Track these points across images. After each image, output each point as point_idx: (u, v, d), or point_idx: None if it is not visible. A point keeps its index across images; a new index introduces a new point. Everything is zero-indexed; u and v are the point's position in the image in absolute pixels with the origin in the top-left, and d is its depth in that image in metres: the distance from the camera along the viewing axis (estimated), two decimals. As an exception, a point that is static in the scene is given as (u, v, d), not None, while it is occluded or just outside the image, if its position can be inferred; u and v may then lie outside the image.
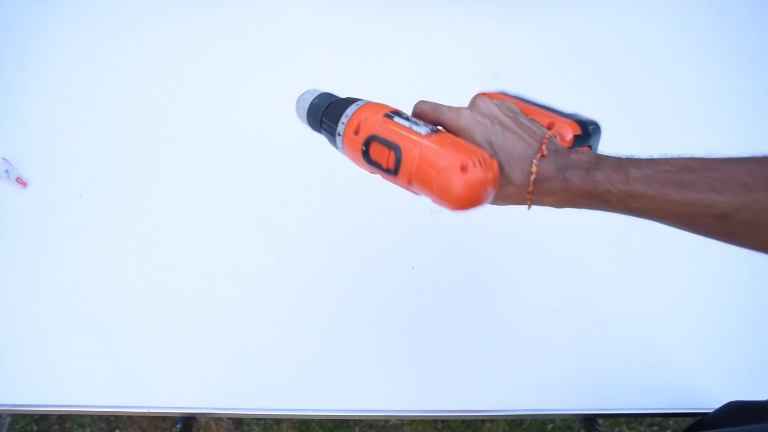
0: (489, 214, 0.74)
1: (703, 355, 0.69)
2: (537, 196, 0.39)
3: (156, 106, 0.82)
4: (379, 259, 0.74)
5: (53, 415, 1.22)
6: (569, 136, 0.43)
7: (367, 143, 0.41)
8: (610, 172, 0.37)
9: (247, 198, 0.77)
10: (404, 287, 0.72)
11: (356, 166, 0.43)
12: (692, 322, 0.70)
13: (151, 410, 0.68)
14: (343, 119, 0.43)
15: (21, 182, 0.78)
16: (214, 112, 0.82)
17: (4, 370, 0.70)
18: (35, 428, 1.22)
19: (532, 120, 0.42)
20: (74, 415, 1.21)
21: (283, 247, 0.74)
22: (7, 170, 0.77)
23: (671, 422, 1.19)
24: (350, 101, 0.44)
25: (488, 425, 1.19)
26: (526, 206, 0.40)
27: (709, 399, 0.67)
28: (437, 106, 0.42)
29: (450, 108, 0.42)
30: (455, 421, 1.19)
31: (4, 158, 0.78)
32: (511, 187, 0.39)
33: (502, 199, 0.40)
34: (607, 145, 0.44)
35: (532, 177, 0.38)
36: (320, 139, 0.79)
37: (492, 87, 0.74)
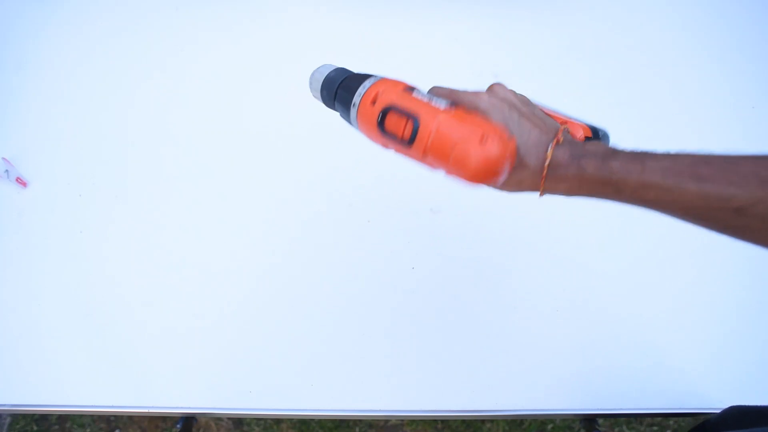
0: (489, 214, 0.74)
1: (703, 355, 0.69)
2: (550, 182, 0.39)
3: (156, 106, 0.82)
4: (379, 259, 0.74)
5: (53, 415, 1.22)
6: (580, 134, 0.43)
7: (384, 112, 0.40)
8: (626, 161, 0.37)
9: (247, 198, 0.77)
10: (404, 287, 0.72)
11: (367, 138, 0.43)
12: (692, 322, 0.70)
13: (151, 410, 0.68)
14: (360, 90, 0.43)
15: (21, 182, 0.78)
16: (214, 112, 0.82)
17: (4, 370, 0.70)
18: (35, 428, 1.22)
19: (545, 115, 0.43)
20: (74, 415, 1.21)
21: (283, 247, 0.74)
22: (7, 170, 0.77)
23: (671, 422, 1.19)
24: (366, 76, 0.44)
25: (488, 425, 1.19)
26: (538, 193, 0.40)
27: (709, 399, 0.67)
28: (453, 90, 0.43)
29: (467, 92, 0.42)
30: (455, 421, 1.19)
31: (4, 158, 0.78)
32: (525, 171, 0.39)
33: (515, 184, 0.40)
34: (607, 145, 0.44)
35: (547, 161, 0.38)
36: (320, 139, 0.79)
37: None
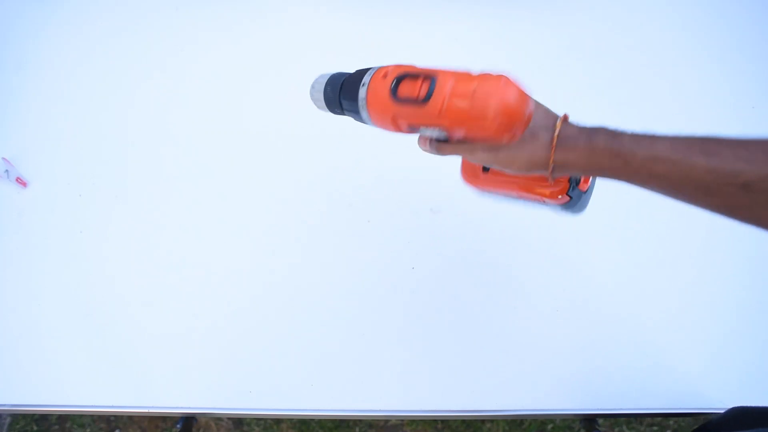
0: (489, 214, 0.74)
1: (703, 355, 0.69)
2: (560, 152, 0.39)
3: (156, 106, 0.82)
4: (379, 259, 0.74)
5: (53, 415, 1.22)
6: None
7: (399, 79, 0.41)
8: (636, 136, 0.38)
9: (247, 198, 0.77)
10: (404, 287, 0.72)
11: (376, 120, 0.42)
12: (692, 323, 0.70)
13: (151, 410, 0.68)
14: (369, 72, 0.43)
15: (21, 182, 0.78)
16: (214, 112, 0.82)
17: (4, 370, 0.70)
18: (35, 428, 1.22)
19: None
20: (74, 415, 1.21)
21: (283, 247, 0.74)
22: (7, 170, 0.77)
23: (671, 422, 1.19)
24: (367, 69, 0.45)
25: (488, 425, 1.19)
26: (548, 172, 0.40)
27: (709, 399, 0.67)
28: None
29: None
30: (455, 421, 1.19)
31: (4, 158, 0.78)
32: (537, 143, 0.40)
33: (526, 160, 0.40)
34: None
35: (557, 131, 0.39)
36: (320, 139, 0.79)
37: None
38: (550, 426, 1.20)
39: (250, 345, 0.70)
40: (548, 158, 0.40)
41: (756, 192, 0.34)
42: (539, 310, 0.71)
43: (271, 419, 1.20)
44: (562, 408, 0.67)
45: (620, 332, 0.70)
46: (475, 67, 0.40)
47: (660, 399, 0.67)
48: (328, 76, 0.47)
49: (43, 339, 0.71)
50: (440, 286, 0.72)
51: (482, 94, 0.37)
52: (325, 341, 0.70)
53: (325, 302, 0.72)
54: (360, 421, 1.20)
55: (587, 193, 0.48)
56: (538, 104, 0.41)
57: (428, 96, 0.39)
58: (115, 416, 1.22)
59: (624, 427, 1.18)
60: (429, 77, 0.39)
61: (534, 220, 0.74)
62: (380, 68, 0.43)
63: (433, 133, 0.41)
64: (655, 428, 1.18)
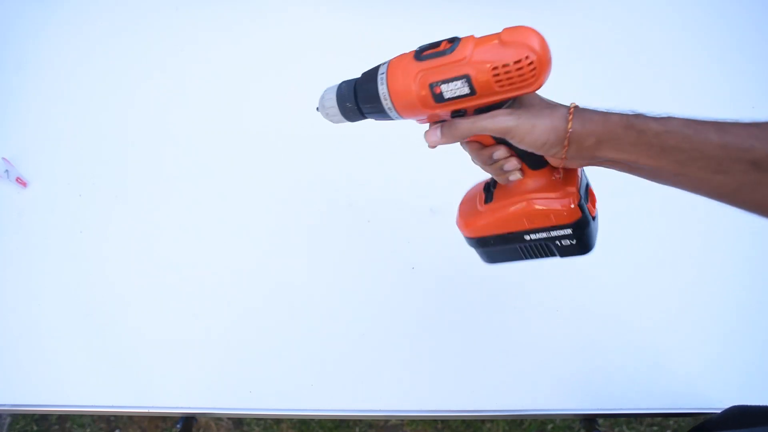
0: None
1: (703, 355, 0.69)
2: (577, 122, 0.40)
3: (156, 106, 0.82)
4: (379, 259, 0.74)
5: (53, 415, 1.22)
6: None
7: (421, 48, 0.41)
8: (649, 114, 0.39)
9: (247, 198, 0.77)
10: (404, 287, 0.72)
11: (400, 86, 0.42)
12: (692, 323, 0.70)
13: (151, 410, 0.68)
14: (384, 62, 0.43)
15: (21, 182, 0.78)
16: (214, 112, 0.82)
17: (4, 370, 0.70)
18: (35, 428, 1.22)
19: None
20: (74, 415, 1.21)
21: (283, 247, 0.74)
22: (7, 170, 0.77)
23: (671, 422, 1.19)
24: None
25: (488, 425, 1.19)
26: (563, 148, 0.40)
27: (709, 399, 0.67)
28: None
29: None
30: (455, 421, 1.19)
31: (4, 158, 0.78)
32: (555, 113, 0.41)
33: (544, 128, 0.40)
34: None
35: (572, 106, 0.41)
36: (320, 139, 0.79)
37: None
38: (550, 426, 1.20)
39: (250, 345, 0.70)
40: (566, 128, 0.40)
41: (765, 170, 0.35)
42: (539, 310, 0.71)
43: (271, 419, 1.20)
44: (562, 408, 0.67)
45: (620, 332, 0.70)
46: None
47: (660, 399, 0.67)
48: (334, 92, 0.46)
49: (43, 339, 0.71)
50: (440, 286, 0.72)
51: (509, 35, 0.39)
52: (325, 341, 0.70)
53: (325, 302, 0.72)
54: (360, 421, 1.20)
55: (595, 222, 0.47)
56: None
57: (453, 47, 0.40)
58: (115, 416, 1.22)
59: (624, 427, 1.18)
60: (451, 40, 0.40)
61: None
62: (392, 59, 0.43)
63: (456, 88, 0.40)
64: (655, 428, 1.18)
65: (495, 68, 0.38)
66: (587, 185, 0.47)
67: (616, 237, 0.74)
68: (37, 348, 0.71)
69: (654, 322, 0.70)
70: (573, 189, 0.44)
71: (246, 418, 1.22)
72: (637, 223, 0.74)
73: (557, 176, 0.45)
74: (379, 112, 0.44)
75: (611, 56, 0.83)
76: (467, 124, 0.42)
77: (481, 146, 0.45)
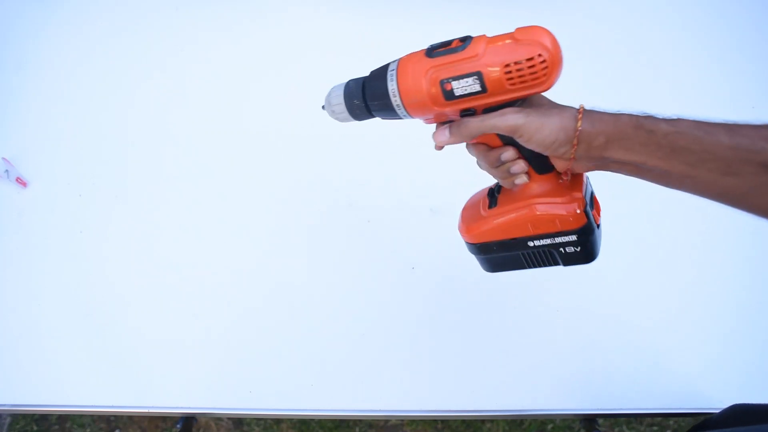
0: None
1: (703, 355, 0.69)
2: (587, 122, 0.39)
3: (156, 106, 0.82)
4: (379, 259, 0.74)
5: (53, 415, 1.22)
6: None
7: (432, 46, 0.41)
8: (658, 116, 0.39)
9: (247, 198, 0.77)
10: (404, 287, 0.72)
11: (411, 84, 0.41)
12: (692, 323, 0.70)
13: (151, 410, 0.68)
14: (394, 60, 0.43)
15: (21, 182, 0.78)
16: (214, 112, 0.82)
17: (4, 370, 0.70)
18: (35, 428, 1.22)
19: None
20: (74, 415, 1.21)
21: (283, 247, 0.74)
22: (7, 170, 0.77)
23: (671, 422, 1.18)
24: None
25: (488, 425, 1.19)
26: (572, 147, 0.40)
27: (709, 399, 0.66)
28: None
29: None
30: (455, 421, 1.18)
31: (4, 158, 0.78)
32: (564, 113, 0.40)
33: (554, 127, 0.40)
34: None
35: (581, 107, 0.41)
36: (320, 139, 0.78)
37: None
38: (550, 426, 1.20)
39: (250, 345, 0.70)
40: (575, 127, 0.40)
41: None
42: (539, 310, 0.71)
43: (271, 419, 1.20)
44: (562, 408, 0.67)
45: (620, 332, 0.70)
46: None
47: (660, 399, 0.67)
48: (342, 90, 0.45)
49: (43, 339, 0.71)
50: (440, 286, 0.72)
51: (522, 34, 0.39)
52: (324, 341, 0.70)
53: (325, 302, 0.72)
54: (360, 421, 1.20)
55: (599, 230, 0.46)
56: None
57: (465, 45, 0.40)
58: (115, 416, 1.21)
59: (624, 427, 1.18)
60: (463, 39, 0.40)
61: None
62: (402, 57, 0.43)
63: (467, 85, 0.40)
64: (655, 428, 1.18)
65: (507, 66, 0.38)
66: (592, 193, 0.47)
67: (616, 237, 0.74)
68: (37, 348, 0.71)
69: (654, 322, 0.70)
70: (579, 194, 0.44)
71: (246, 418, 1.22)
72: (637, 224, 0.74)
73: (563, 181, 0.44)
74: (388, 110, 0.43)
75: (611, 56, 0.83)
76: (476, 123, 0.42)
77: (488, 148, 0.44)
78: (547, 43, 0.38)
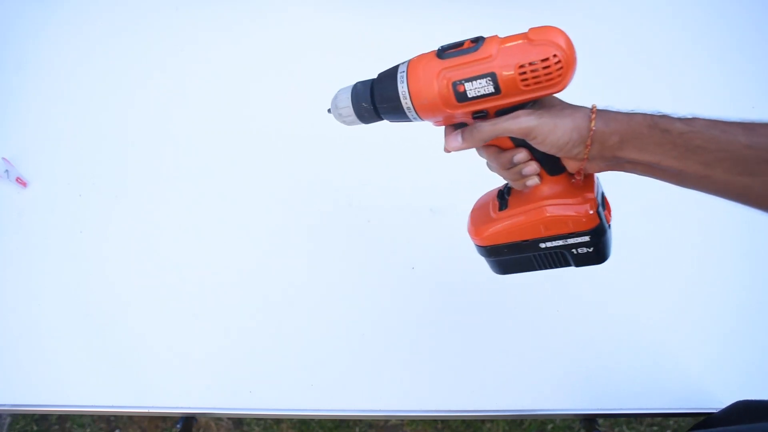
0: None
1: (703, 355, 0.69)
2: (600, 121, 0.39)
3: (156, 106, 0.82)
4: (379, 259, 0.74)
5: (53, 415, 1.21)
6: None
7: (444, 48, 0.41)
8: (673, 115, 0.38)
9: (247, 198, 0.77)
10: (404, 287, 0.72)
11: (422, 86, 0.41)
12: (692, 323, 0.70)
13: (151, 410, 0.68)
14: (404, 62, 0.42)
15: (21, 182, 0.78)
16: (214, 112, 0.82)
17: (4, 370, 0.70)
18: (35, 428, 1.22)
19: None
20: (74, 415, 1.21)
21: (283, 247, 0.74)
22: (7, 170, 0.77)
23: (671, 422, 1.18)
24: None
25: (488, 425, 1.19)
26: (585, 148, 0.40)
27: (710, 399, 0.66)
28: None
29: None
30: (455, 421, 1.18)
31: (4, 158, 0.78)
32: (577, 113, 0.40)
33: (567, 128, 0.40)
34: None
35: (594, 106, 0.40)
36: (320, 139, 0.79)
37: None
38: (550, 426, 1.19)
39: (250, 345, 0.70)
40: (588, 127, 0.39)
41: None
42: (539, 310, 0.71)
43: (271, 419, 1.20)
44: (562, 408, 0.67)
45: (620, 332, 0.70)
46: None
47: (660, 399, 0.67)
48: (349, 92, 0.45)
49: (43, 339, 0.71)
50: (440, 286, 0.72)
51: (536, 34, 0.38)
52: (325, 341, 0.70)
53: (324, 302, 0.72)
54: (360, 421, 1.20)
55: (610, 231, 0.46)
56: None
57: (478, 46, 0.39)
58: (115, 416, 1.21)
59: (624, 427, 1.18)
60: (475, 39, 0.40)
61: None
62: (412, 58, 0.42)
63: (480, 86, 0.39)
64: (655, 428, 1.18)
65: (521, 66, 0.38)
66: (602, 194, 0.46)
67: (616, 237, 0.74)
68: (37, 348, 0.71)
69: (654, 321, 0.70)
70: (591, 195, 0.43)
71: (246, 418, 1.22)
72: (637, 224, 0.74)
73: (575, 182, 0.44)
74: (397, 113, 0.43)
75: (611, 56, 0.83)
76: (489, 126, 0.41)
77: (499, 150, 0.44)
78: (562, 43, 0.38)
